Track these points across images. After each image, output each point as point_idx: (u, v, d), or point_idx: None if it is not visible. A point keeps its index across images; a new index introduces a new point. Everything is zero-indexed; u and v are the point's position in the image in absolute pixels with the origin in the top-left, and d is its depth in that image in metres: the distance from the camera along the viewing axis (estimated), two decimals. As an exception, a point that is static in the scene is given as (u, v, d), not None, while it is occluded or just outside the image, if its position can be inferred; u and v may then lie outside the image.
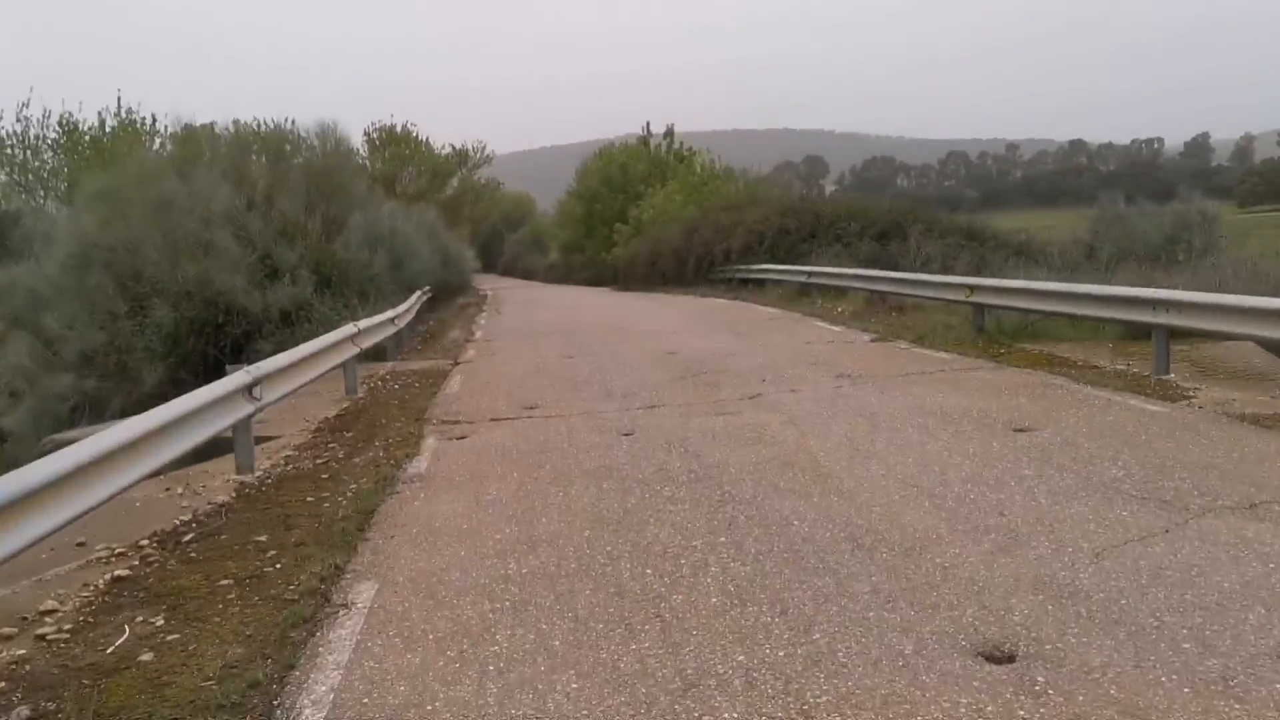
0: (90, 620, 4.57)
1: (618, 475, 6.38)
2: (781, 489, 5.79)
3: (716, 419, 8.01)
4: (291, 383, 8.49)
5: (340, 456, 7.86)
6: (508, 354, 14.02)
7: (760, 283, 23.01)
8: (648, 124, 48.46)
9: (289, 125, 22.26)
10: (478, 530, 5.40)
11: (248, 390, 7.51)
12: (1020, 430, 6.95)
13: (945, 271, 17.10)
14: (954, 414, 7.62)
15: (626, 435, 7.63)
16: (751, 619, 3.92)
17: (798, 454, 6.63)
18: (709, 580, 4.38)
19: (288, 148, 20.68)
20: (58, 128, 33.21)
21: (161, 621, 4.45)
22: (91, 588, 5.02)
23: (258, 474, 7.43)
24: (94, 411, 15.86)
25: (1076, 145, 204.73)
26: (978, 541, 4.65)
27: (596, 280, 42.35)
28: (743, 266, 24.63)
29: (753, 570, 4.47)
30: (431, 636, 3.98)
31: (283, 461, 7.87)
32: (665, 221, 34.55)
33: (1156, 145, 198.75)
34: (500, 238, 73.04)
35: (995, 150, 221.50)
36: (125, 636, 4.33)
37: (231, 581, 4.91)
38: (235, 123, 22.20)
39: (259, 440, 8.80)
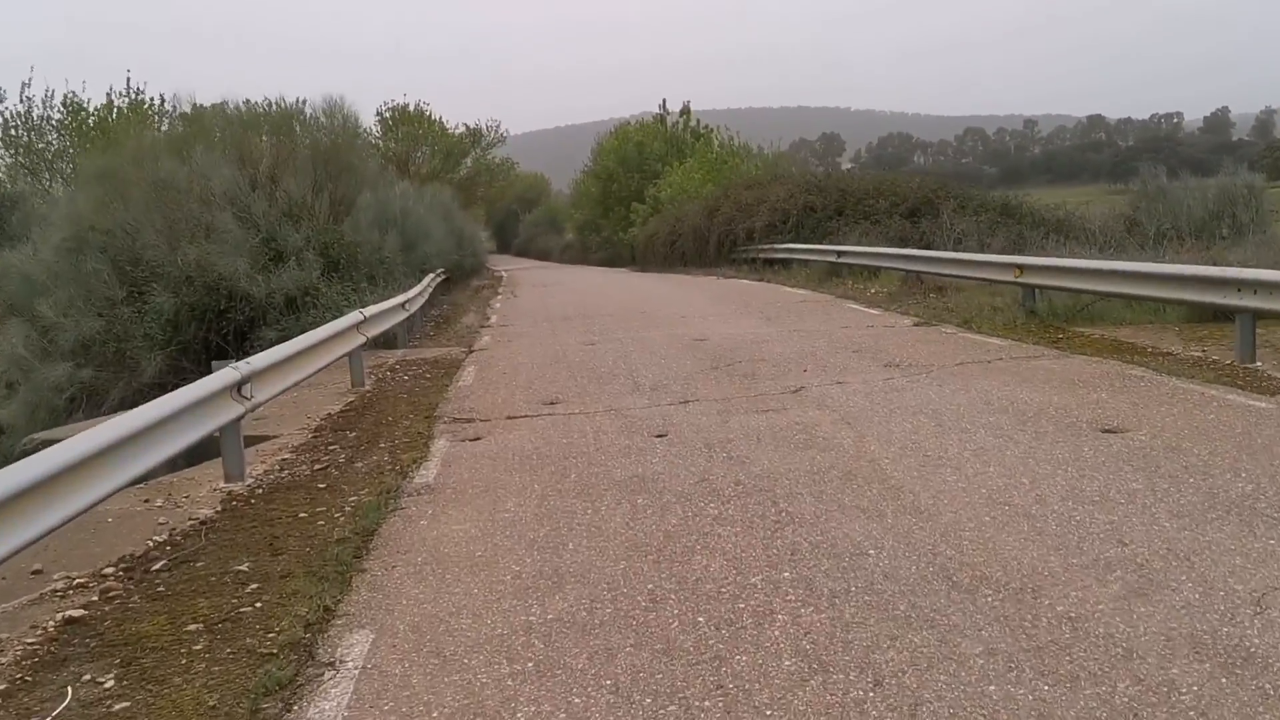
0: (29, 678, 3.79)
1: (653, 487, 5.56)
2: (847, 506, 4.95)
3: (759, 417, 7.18)
4: (288, 379, 7.70)
5: (341, 461, 7.07)
6: (525, 341, 13.22)
7: (786, 263, 22.12)
8: (664, 101, 47.51)
9: (298, 105, 21.45)
10: (493, 559, 4.59)
11: (236, 389, 6.73)
12: (1110, 431, 6.09)
13: (982, 250, 16.18)
14: (1028, 411, 6.76)
15: (659, 437, 6.81)
16: (838, 693, 3.10)
17: (858, 461, 5.79)
18: (777, 633, 3.56)
19: (296, 127, 19.91)
20: (62, 108, 32.52)
21: (111, 683, 3.67)
22: (39, 632, 4.24)
23: (248, 483, 6.65)
24: (92, 402, 15.17)
25: (1095, 120, 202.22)
26: (1102, 581, 3.81)
27: (613, 261, 41.54)
28: (767, 246, 23.72)
29: (829, 620, 3.64)
30: (436, 713, 3.18)
31: (277, 467, 7.09)
32: (684, 200, 33.65)
33: (1176, 120, 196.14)
34: (515, 218, 72.36)
35: (1013, 126, 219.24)
36: (65, 703, 3.55)
37: (200, 626, 4.12)
38: (246, 102, 21.39)
39: (253, 441, 8.06)
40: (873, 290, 16.51)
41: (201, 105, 21.49)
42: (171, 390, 6.35)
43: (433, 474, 6.34)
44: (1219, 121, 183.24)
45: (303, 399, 9.93)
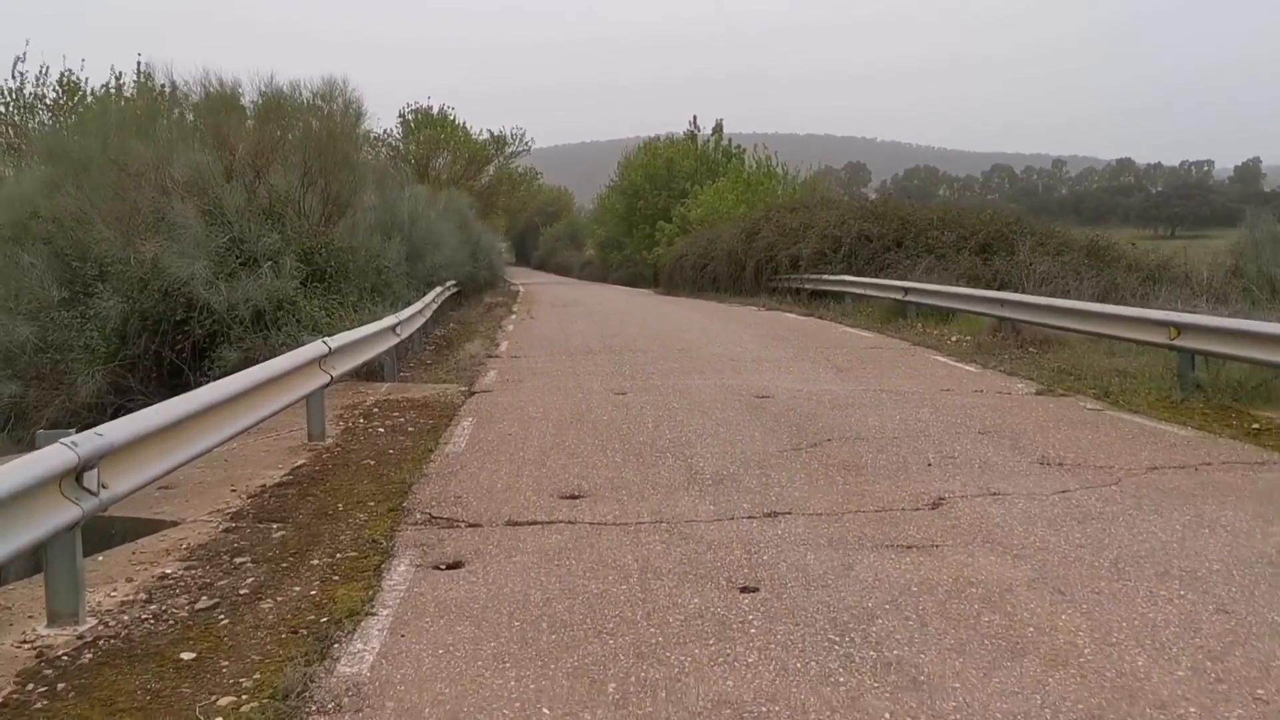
0: None
1: (766, 743, 2.98)
2: None
3: (898, 560, 4.59)
4: (176, 453, 5.08)
5: (243, 594, 4.50)
6: (539, 383, 10.64)
7: (838, 296, 19.55)
8: (694, 118, 45.14)
9: (291, 86, 18.90)
10: None
11: (75, 477, 4.18)
12: None
13: (1067, 295, 13.67)
14: (1351, 587, 4.16)
15: (749, 592, 4.23)
16: None
17: (1134, 700, 3.18)
18: None
19: (301, 117, 17.40)
20: (57, 87, 30.19)
21: None
22: None
23: (81, 630, 4.10)
24: (21, 422, 12.71)
25: (1124, 164, 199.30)
26: None
27: (634, 280, 39.26)
28: (814, 276, 21.18)
29: None
30: None
31: (143, 595, 4.52)
32: (716, 221, 31.21)
33: (1206, 168, 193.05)
34: (536, 232, 70.48)
35: (1040, 165, 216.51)
36: None
37: None
38: (261, 89, 18.79)
39: (138, 529, 5.57)
40: (953, 338, 13.91)
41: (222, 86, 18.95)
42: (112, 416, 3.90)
43: (373, 650, 3.76)
44: (1250, 171, 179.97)
45: (240, 453, 7.44)
